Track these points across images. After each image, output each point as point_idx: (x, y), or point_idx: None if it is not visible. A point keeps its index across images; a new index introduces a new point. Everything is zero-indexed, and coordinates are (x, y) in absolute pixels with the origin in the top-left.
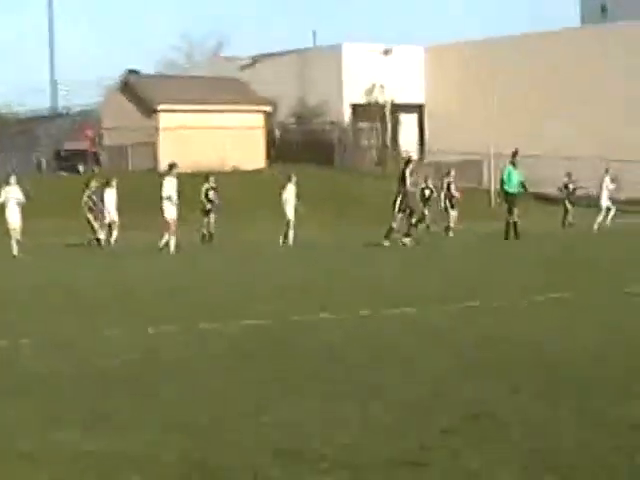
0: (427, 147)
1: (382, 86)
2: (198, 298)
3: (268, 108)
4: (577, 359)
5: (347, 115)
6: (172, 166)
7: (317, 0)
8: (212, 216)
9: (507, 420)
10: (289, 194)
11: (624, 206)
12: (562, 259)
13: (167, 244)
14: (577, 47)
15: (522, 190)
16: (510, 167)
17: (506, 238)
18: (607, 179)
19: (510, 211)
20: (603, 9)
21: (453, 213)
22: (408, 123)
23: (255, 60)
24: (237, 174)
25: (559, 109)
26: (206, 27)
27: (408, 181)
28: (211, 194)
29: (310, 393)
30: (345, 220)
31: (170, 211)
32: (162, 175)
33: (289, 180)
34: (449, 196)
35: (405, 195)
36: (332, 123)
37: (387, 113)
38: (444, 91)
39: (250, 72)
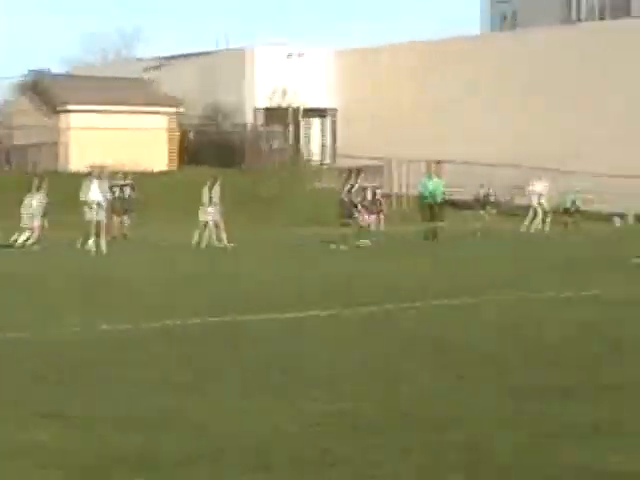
0: (336, 151)
1: (292, 90)
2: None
3: (176, 110)
4: (478, 355)
5: (257, 118)
6: (97, 169)
7: (227, 2)
8: (127, 216)
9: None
10: (214, 195)
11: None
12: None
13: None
14: (485, 52)
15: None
16: (426, 178)
17: (433, 238)
18: (537, 184)
19: (433, 218)
20: (512, 16)
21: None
22: (317, 126)
23: (164, 61)
24: (141, 176)
25: (465, 115)
26: (115, 27)
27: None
28: (127, 191)
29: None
30: (256, 222)
31: (93, 214)
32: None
33: (215, 181)
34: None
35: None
36: (242, 126)
37: (297, 116)
38: (354, 95)
39: (159, 74)
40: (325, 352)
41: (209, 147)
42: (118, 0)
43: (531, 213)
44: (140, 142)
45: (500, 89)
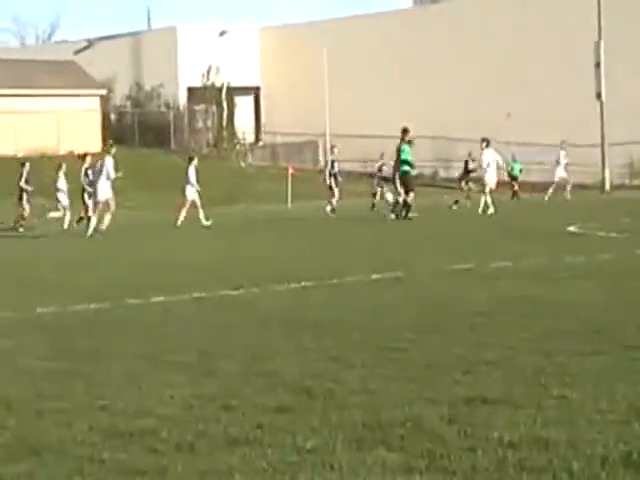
0: (263, 128)
1: (218, 68)
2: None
3: (103, 91)
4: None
5: (183, 98)
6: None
7: None
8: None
9: (338, 393)
10: (190, 175)
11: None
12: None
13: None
14: (409, 28)
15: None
16: (405, 145)
17: (405, 217)
18: (562, 154)
19: (407, 191)
20: None
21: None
22: (244, 105)
23: (90, 43)
24: (72, 158)
25: (395, 88)
26: (39, 10)
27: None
28: (90, 174)
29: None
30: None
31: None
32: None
33: (190, 161)
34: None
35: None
36: (168, 106)
37: (223, 95)
38: (279, 72)
39: (85, 55)
40: (190, 335)
41: (134, 128)
42: None
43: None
44: (73, 124)
45: (425, 62)
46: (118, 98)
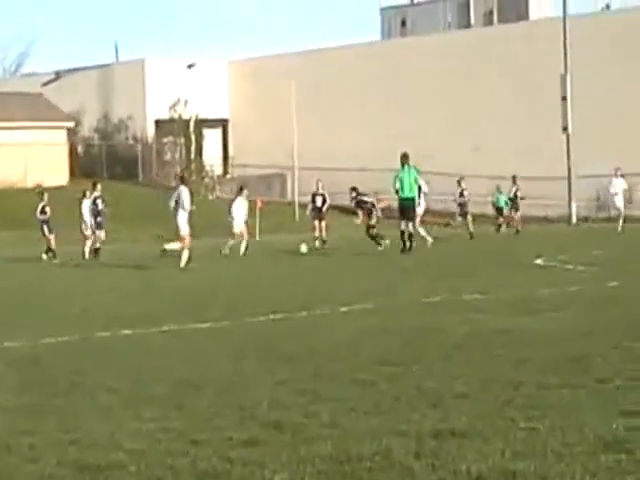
0: (231, 161)
1: (186, 101)
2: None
3: (71, 124)
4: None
5: (151, 130)
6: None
7: (118, 14)
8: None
9: (307, 426)
10: (239, 206)
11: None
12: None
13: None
14: (377, 60)
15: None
16: (401, 170)
17: (403, 249)
18: (620, 181)
19: (404, 219)
20: (403, 23)
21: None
22: (212, 137)
23: (58, 75)
24: (38, 190)
25: (363, 121)
26: (6, 42)
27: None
28: (99, 203)
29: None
30: (154, 234)
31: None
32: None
33: (240, 192)
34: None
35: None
36: (136, 139)
37: (191, 128)
38: (247, 105)
39: (53, 88)
40: (160, 368)
41: (102, 160)
42: (8, 16)
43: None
44: (40, 157)
45: (393, 95)
46: (86, 130)
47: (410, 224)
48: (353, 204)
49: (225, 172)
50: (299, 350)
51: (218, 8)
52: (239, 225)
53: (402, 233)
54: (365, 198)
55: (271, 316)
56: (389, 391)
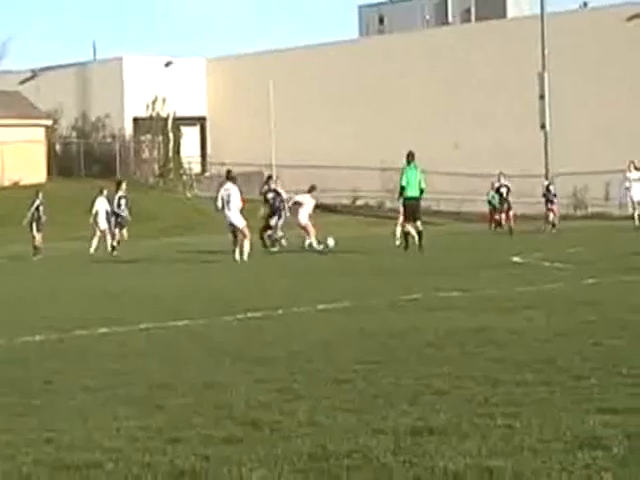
0: (209, 159)
1: (164, 99)
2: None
3: (49, 122)
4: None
5: (129, 128)
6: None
7: (96, 12)
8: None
9: (285, 424)
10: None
11: None
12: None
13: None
14: (355, 58)
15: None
16: (408, 168)
17: (406, 248)
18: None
19: (407, 219)
20: (381, 21)
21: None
22: (190, 135)
23: (35, 73)
24: (17, 189)
25: (341, 119)
26: None
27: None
28: (122, 203)
29: None
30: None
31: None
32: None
33: (311, 190)
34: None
35: None
36: (114, 137)
37: (169, 126)
38: (225, 103)
39: (30, 86)
40: (138, 367)
41: (80, 158)
42: None
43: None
44: (17, 155)
45: (372, 93)
46: (64, 129)
47: (418, 223)
48: (262, 194)
49: (203, 170)
50: (276, 349)
51: (196, 6)
52: (304, 219)
53: (406, 234)
54: (280, 193)
55: (249, 314)
56: (366, 389)
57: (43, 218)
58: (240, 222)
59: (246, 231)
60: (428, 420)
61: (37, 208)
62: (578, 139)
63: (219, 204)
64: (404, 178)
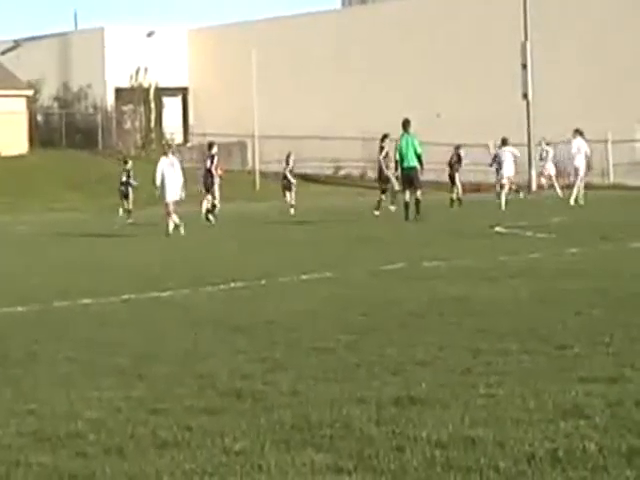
0: (191, 130)
1: (146, 69)
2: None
3: (30, 92)
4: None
5: (111, 99)
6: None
7: None
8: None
9: (267, 395)
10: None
11: None
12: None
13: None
14: (337, 28)
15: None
16: (403, 136)
17: (407, 218)
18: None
19: (405, 188)
20: None
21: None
22: (172, 106)
23: (17, 44)
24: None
25: (324, 89)
26: None
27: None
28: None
29: None
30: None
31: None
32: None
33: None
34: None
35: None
36: (95, 107)
37: (151, 96)
38: (207, 73)
39: (12, 56)
40: (120, 338)
41: (61, 129)
42: None
43: None
44: None
45: (354, 63)
46: (45, 99)
47: (419, 192)
48: None
49: (185, 140)
50: (258, 319)
51: None
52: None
53: (406, 205)
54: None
55: (232, 284)
56: (349, 359)
57: (134, 184)
58: (179, 195)
59: (171, 208)
60: (411, 390)
61: (129, 175)
62: (560, 109)
63: (158, 180)
64: (397, 153)
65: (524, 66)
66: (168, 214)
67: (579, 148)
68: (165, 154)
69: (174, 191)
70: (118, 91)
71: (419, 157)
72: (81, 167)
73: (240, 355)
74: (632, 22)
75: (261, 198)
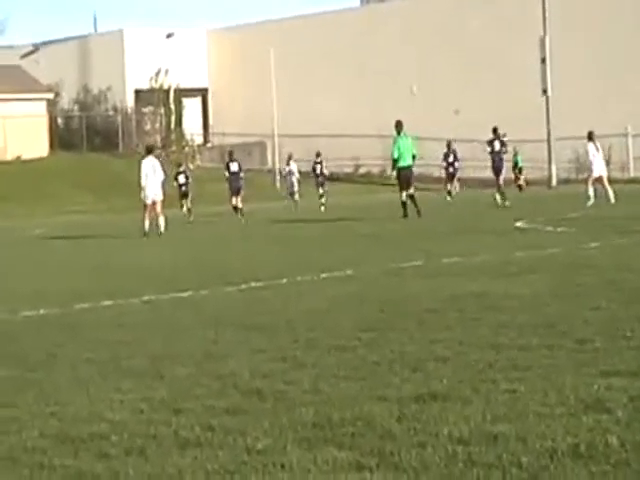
0: (211, 130)
1: (166, 71)
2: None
3: (50, 95)
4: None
5: (130, 101)
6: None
7: None
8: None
9: (288, 393)
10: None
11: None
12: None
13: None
14: (357, 27)
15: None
16: (399, 137)
17: (405, 216)
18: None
19: (402, 188)
20: None
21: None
22: (192, 107)
23: (36, 48)
24: (19, 163)
25: (342, 88)
26: None
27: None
28: (232, 166)
29: None
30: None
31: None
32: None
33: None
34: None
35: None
36: (115, 109)
37: (171, 97)
38: (226, 74)
39: (31, 60)
40: (140, 339)
41: (82, 132)
42: None
43: None
44: (19, 130)
45: (373, 61)
46: (65, 102)
47: (411, 189)
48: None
49: (205, 141)
50: (278, 318)
51: None
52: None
53: (404, 203)
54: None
55: (252, 284)
56: (369, 356)
57: (189, 185)
58: (160, 196)
59: (159, 207)
60: (431, 386)
61: (186, 177)
62: (578, 103)
63: (143, 181)
64: (396, 149)
65: (543, 61)
66: (156, 215)
67: (593, 154)
68: (146, 155)
69: (154, 191)
70: (138, 93)
71: (413, 157)
72: (100, 169)
73: (260, 354)
74: None
75: (281, 197)
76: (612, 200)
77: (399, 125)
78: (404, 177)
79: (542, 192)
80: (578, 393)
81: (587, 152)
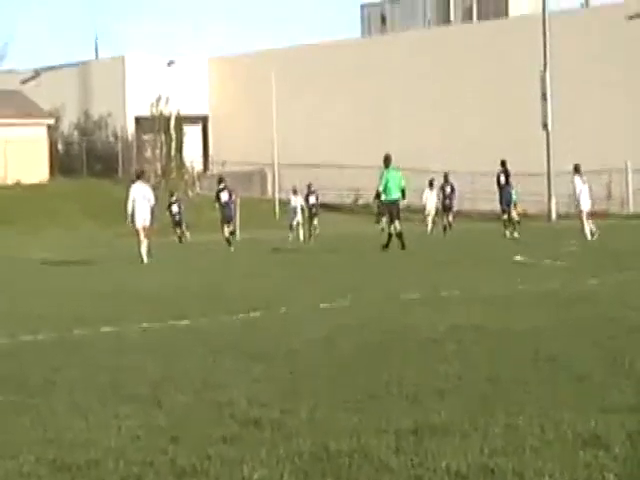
0: (211, 158)
1: (167, 98)
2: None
3: (51, 121)
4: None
5: (131, 127)
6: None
7: (98, 11)
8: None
9: (286, 423)
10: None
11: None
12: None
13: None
14: (357, 57)
15: (401, 197)
16: (386, 171)
17: (386, 246)
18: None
19: (392, 220)
20: (383, 20)
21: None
22: (192, 134)
23: (37, 73)
24: (19, 188)
25: (342, 117)
26: None
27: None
28: (223, 195)
29: None
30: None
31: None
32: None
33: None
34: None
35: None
36: (116, 136)
37: (171, 125)
38: (227, 102)
39: (32, 85)
40: (139, 366)
41: (82, 157)
42: None
43: None
44: (19, 154)
45: (372, 91)
46: (66, 127)
47: (397, 222)
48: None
49: (205, 169)
50: (277, 347)
51: (198, 4)
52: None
53: (390, 235)
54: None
55: (251, 313)
56: (367, 388)
57: (182, 214)
58: (148, 221)
59: (146, 232)
60: (429, 419)
61: (179, 206)
62: (579, 138)
63: (130, 206)
64: (383, 182)
65: (543, 95)
66: (141, 240)
67: (580, 188)
68: (136, 180)
69: (142, 217)
70: (138, 120)
71: (402, 191)
72: (100, 195)
73: (258, 384)
74: None
75: (280, 226)
76: (588, 237)
77: (387, 159)
78: (393, 210)
79: (541, 226)
80: (576, 428)
81: (574, 186)
